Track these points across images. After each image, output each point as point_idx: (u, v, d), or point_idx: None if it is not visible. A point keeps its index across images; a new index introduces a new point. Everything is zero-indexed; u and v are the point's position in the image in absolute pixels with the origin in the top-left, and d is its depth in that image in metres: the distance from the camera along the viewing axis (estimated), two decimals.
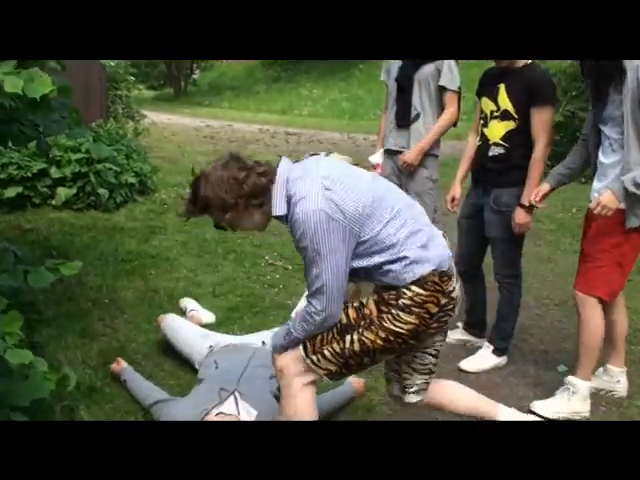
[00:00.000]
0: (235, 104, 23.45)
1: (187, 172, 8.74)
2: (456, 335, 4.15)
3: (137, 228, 5.80)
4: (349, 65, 24.54)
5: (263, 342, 3.42)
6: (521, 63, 3.57)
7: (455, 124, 4.27)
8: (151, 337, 3.82)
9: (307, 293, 2.41)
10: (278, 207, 2.40)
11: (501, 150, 3.62)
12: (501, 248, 3.75)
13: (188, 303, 4.18)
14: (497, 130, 3.62)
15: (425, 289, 2.32)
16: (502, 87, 3.58)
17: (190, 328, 3.66)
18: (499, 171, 3.63)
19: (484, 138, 3.69)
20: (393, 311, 2.33)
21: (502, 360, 3.86)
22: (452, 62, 4.13)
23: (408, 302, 2.32)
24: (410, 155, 4.15)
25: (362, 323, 2.37)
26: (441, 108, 4.19)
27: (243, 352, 3.27)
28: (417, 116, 4.20)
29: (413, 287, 2.31)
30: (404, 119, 4.22)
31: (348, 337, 2.37)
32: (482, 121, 3.72)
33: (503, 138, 3.61)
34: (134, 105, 10.36)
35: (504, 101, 3.58)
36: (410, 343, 2.40)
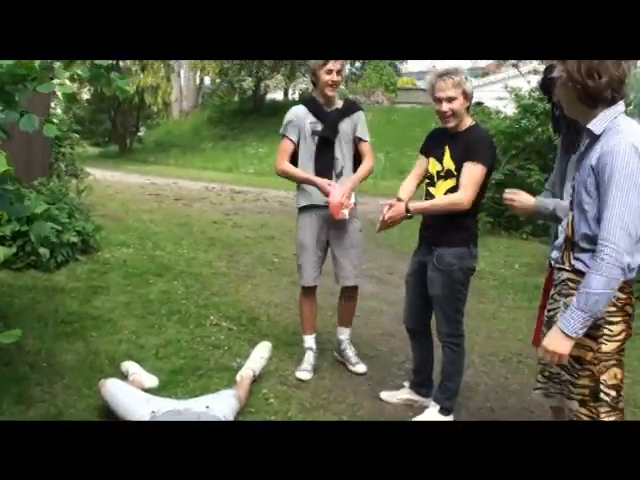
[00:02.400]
0: (181, 162, 23.49)
1: (131, 230, 8.70)
2: (403, 395, 4.13)
3: (78, 288, 5.67)
4: None
5: (207, 406, 3.35)
6: (464, 127, 3.67)
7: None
8: (91, 403, 3.70)
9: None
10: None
11: None
12: (442, 306, 3.78)
13: (130, 366, 4.08)
14: (442, 189, 3.69)
15: (624, 292, 2.49)
16: (447, 149, 3.67)
17: (131, 393, 3.56)
18: (442, 230, 3.69)
19: (431, 197, 3.75)
20: (605, 330, 2.50)
21: (449, 419, 3.85)
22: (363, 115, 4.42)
23: (612, 309, 2.47)
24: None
25: (596, 371, 2.52)
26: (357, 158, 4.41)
27: (186, 417, 3.19)
28: (342, 170, 4.31)
29: (617, 292, 2.44)
30: (330, 174, 4.27)
31: (602, 394, 2.53)
32: (428, 180, 3.78)
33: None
34: (78, 162, 10.25)
35: (448, 162, 3.67)
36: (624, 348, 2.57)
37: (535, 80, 12.15)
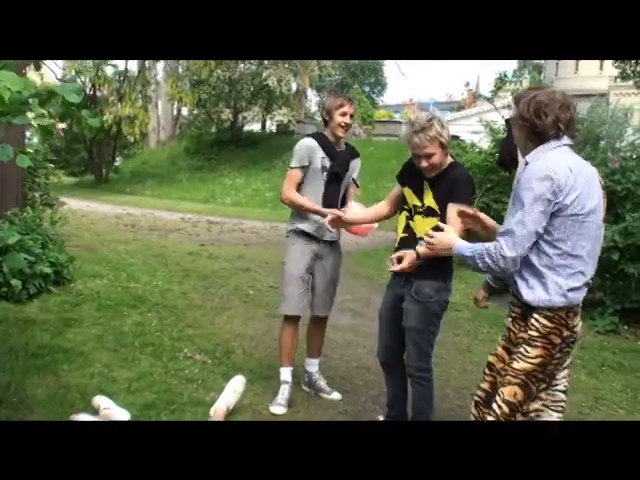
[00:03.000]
0: (157, 192, 23.44)
1: (106, 261, 8.57)
2: None
3: (50, 320, 5.59)
4: (271, 156, 25.01)
5: None
6: (445, 166, 3.69)
7: None
8: None
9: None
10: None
11: None
12: (415, 339, 3.76)
13: (101, 401, 4.00)
14: (422, 225, 3.68)
15: (552, 321, 2.62)
16: (427, 185, 3.68)
17: None
18: (420, 263, 3.69)
19: (410, 231, 3.76)
20: (521, 349, 2.65)
21: None
22: None
23: (534, 334, 2.62)
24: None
25: (499, 381, 2.72)
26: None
27: None
28: (342, 206, 4.41)
29: (541, 319, 2.63)
30: (337, 209, 4.35)
31: (495, 405, 2.69)
32: (407, 213, 3.80)
33: None
34: (53, 192, 10.20)
35: (429, 199, 3.67)
36: (541, 378, 2.68)
37: (509, 114, 12.30)
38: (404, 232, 3.82)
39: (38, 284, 6.20)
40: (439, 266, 3.68)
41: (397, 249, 3.86)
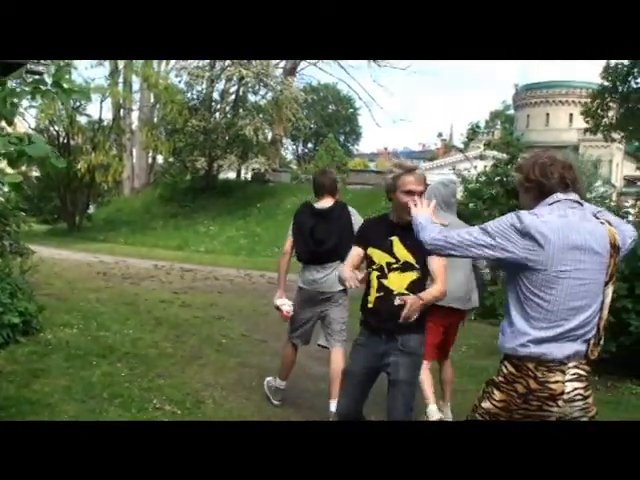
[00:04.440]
0: (131, 240, 23.32)
1: (76, 310, 8.42)
2: None
3: (17, 371, 5.48)
4: (247, 204, 25.07)
5: None
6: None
7: None
8: None
9: None
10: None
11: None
12: (404, 392, 3.63)
13: None
14: (400, 281, 3.62)
15: (518, 370, 2.61)
16: (396, 240, 3.64)
17: None
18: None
19: (385, 289, 3.65)
20: (489, 389, 2.72)
21: None
22: None
23: (501, 379, 2.67)
24: None
25: (470, 417, 2.82)
26: None
27: None
28: None
29: (509, 366, 2.65)
30: None
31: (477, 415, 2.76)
32: (378, 272, 3.70)
33: (408, 288, 3.60)
34: (24, 240, 10.10)
35: (402, 254, 3.62)
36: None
37: (481, 165, 12.49)
38: (378, 292, 3.70)
39: (6, 334, 6.12)
40: (419, 319, 3.59)
41: (371, 309, 3.75)
